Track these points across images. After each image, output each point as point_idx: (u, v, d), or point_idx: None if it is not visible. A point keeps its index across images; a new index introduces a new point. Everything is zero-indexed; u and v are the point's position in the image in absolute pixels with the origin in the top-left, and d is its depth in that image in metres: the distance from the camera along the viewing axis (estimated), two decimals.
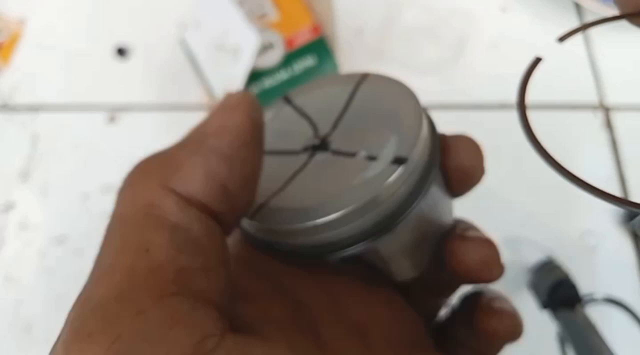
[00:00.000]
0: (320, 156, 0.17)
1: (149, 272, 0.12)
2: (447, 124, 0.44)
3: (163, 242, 0.12)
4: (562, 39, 0.16)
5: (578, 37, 0.46)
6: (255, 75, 0.35)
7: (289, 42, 0.37)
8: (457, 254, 0.17)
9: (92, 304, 0.12)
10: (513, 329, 0.18)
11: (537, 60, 0.15)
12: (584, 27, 0.15)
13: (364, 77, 0.18)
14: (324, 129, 0.18)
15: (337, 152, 0.17)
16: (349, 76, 0.19)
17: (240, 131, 0.14)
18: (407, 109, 0.17)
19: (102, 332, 0.11)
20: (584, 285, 0.35)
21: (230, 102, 0.15)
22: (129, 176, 0.14)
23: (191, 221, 0.13)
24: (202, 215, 0.13)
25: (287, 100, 0.19)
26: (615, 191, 0.40)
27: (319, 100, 0.19)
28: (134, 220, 0.13)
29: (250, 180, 0.14)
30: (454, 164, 0.18)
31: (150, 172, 0.14)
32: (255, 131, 0.15)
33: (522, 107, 0.15)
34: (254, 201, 0.15)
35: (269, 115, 0.19)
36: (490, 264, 0.17)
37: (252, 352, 0.11)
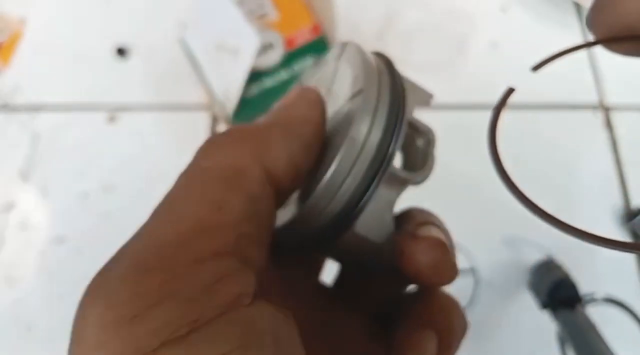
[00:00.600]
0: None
1: (215, 228, 0.13)
2: (447, 124, 0.44)
3: (237, 206, 0.13)
4: (536, 68, 0.16)
5: (578, 37, 0.46)
6: (255, 75, 0.35)
7: (289, 42, 0.37)
8: (406, 254, 0.16)
9: (155, 242, 0.14)
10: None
11: (510, 91, 0.15)
12: (559, 55, 0.15)
13: (343, 47, 0.19)
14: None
15: None
16: (336, 47, 0.20)
17: (318, 124, 0.16)
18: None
19: (160, 269, 0.12)
20: (584, 285, 0.35)
21: (310, 96, 0.17)
22: (217, 137, 0.15)
23: (266, 197, 0.14)
24: (273, 194, 0.15)
25: (300, 83, 0.20)
26: (616, 191, 0.40)
27: (320, 79, 0.20)
28: (219, 177, 0.14)
29: (309, 167, 0.16)
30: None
31: (244, 140, 0.15)
32: (324, 127, 0.16)
33: (492, 135, 0.15)
34: None
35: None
36: (440, 268, 0.16)
37: (277, 316, 0.13)
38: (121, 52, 0.46)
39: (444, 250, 0.16)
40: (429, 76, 0.45)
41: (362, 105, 0.16)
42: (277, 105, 0.17)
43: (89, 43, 0.47)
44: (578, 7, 0.47)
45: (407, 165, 0.18)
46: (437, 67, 0.45)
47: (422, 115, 0.19)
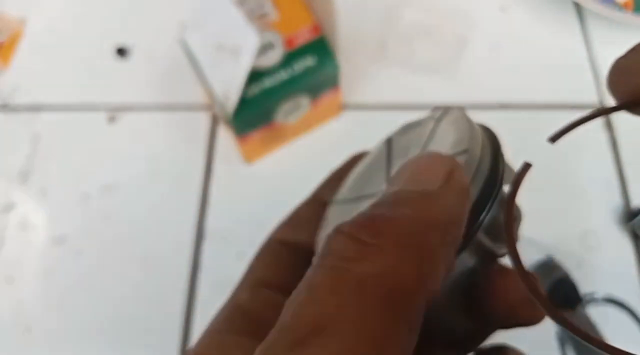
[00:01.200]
0: None
1: None
2: None
3: (399, 346, 0.11)
4: (553, 139, 0.14)
5: (578, 37, 0.46)
6: (255, 75, 0.35)
7: (289, 42, 0.37)
8: (498, 290, 0.15)
9: None
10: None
11: (527, 166, 0.14)
12: (577, 124, 0.14)
13: (446, 111, 0.17)
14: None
15: None
16: (437, 110, 0.18)
17: (463, 222, 0.13)
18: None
19: None
20: (584, 285, 0.35)
21: (461, 183, 0.13)
22: (367, 228, 0.12)
23: (419, 324, 0.11)
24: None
25: (389, 142, 0.19)
26: (616, 191, 0.40)
27: (412, 137, 0.18)
28: (382, 297, 0.11)
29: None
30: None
31: (408, 246, 0.11)
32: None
33: (508, 221, 0.13)
34: None
35: (365, 158, 0.20)
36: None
37: None
38: (121, 52, 0.46)
39: (537, 281, 0.15)
40: (429, 76, 0.45)
41: (465, 164, 0.14)
42: (414, 179, 0.13)
43: (89, 43, 0.47)
44: (578, 7, 0.47)
45: (490, 237, 0.17)
46: (437, 67, 0.45)
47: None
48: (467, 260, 0.15)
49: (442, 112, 0.17)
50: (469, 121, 0.16)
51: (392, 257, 0.11)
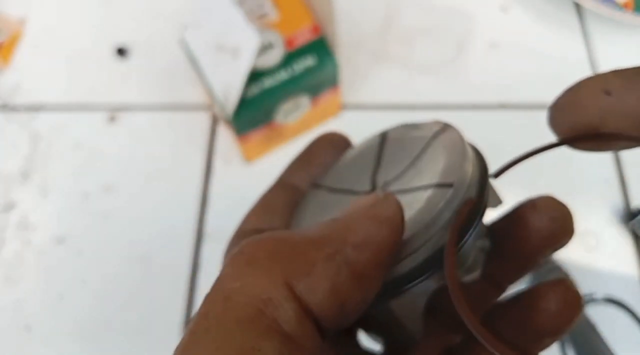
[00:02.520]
0: None
1: None
2: None
3: (271, 354, 0.11)
4: (497, 175, 0.16)
5: (578, 37, 0.46)
6: (255, 75, 0.35)
7: (288, 42, 0.37)
8: (527, 221, 0.17)
9: None
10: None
11: (469, 202, 0.15)
12: (521, 159, 0.15)
13: (444, 128, 0.18)
14: (386, 176, 0.17)
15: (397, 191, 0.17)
16: (436, 124, 0.18)
17: (382, 250, 0.13)
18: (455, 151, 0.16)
19: None
20: (584, 285, 0.35)
21: (381, 211, 0.13)
22: (249, 248, 0.12)
23: (305, 337, 0.11)
24: (315, 333, 0.12)
25: (383, 137, 0.19)
26: (616, 191, 0.40)
27: (404, 144, 0.18)
28: (244, 314, 0.11)
29: (365, 303, 0.13)
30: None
31: (277, 260, 0.12)
32: (394, 252, 0.13)
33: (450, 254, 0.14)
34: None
35: (357, 147, 0.20)
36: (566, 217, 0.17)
37: None
38: (121, 52, 0.46)
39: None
40: (429, 76, 0.45)
41: (447, 202, 0.15)
42: (348, 210, 0.13)
43: (89, 43, 0.47)
44: (578, 7, 0.47)
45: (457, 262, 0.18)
46: (437, 67, 0.45)
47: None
48: (431, 282, 0.16)
49: (440, 128, 0.17)
50: (463, 147, 0.16)
51: (260, 272, 0.12)
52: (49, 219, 0.40)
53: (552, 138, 0.15)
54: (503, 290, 0.18)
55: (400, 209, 0.13)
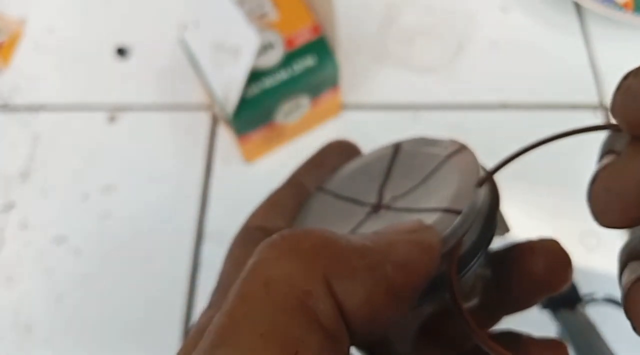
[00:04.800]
0: (383, 213, 0.17)
1: None
2: (447, 124, 0.44)
3: (314, 347, 0.11)
4: (479, 183, 0.15)
5: (578, 37, 0.46)
6: (255, 75, 0.35)
7: (288, 42, 0.37)
8: (525, 263, 0.16)
9: None
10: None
11: (459, 242, 0.14)
12: (512, 158, 0.15)
13: (460, 149, 0.17)
14: (394, 190, 0.17)
15: (398, 209, 0.16)
16: (452, 144, 0.18)
17: (419, 275, 0.13)
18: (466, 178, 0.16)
19: None
20: (584, 285, 0.35)
21: (424, 238, 0.13)
22: (284, 241, 0.12)
23: (342, 336, 0.11)
24: (347, 336, 0.12)
25: (396, 149, 0.19)
26: None
27: (417, 159, 0.18)
28: (286, 303, 0.11)
29: (391, 323, 0.13)
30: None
31: (318, 254, 0.12)
32: (427, 280, 0.13)
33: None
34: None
35: (368, 155, 0.19)
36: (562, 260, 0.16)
37: None
38: (121, 52, 0.46)
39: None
40: (429, 76, 0.45)
41: (453, 229, 0.14)
42: (389, 229, 0.14)
43: (89, 43, 0.47)
44: (578, 7, 0.47)
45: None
46: (437, 67, 0.45)
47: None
48: (427, 308, 0.16)
49: (456, 149, 0.17)
50: (477, 173, 0.15)
51: (298, 263, 0.11)
52: (49, 219, 0.40)
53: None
54: (498, 320, 0.18)
55: (439, 242, 0.14)
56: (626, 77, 0.12)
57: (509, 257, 0.17)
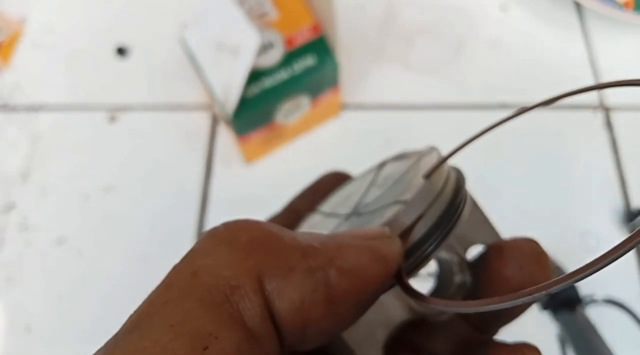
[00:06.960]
0: (353, 219, 0.17)
1: None
2: (447, 124, 0.44)
3: (228, 346, 0.10)
4: (427, 175, 0.15)
5: (578, 37, 0.46)
6: (255, 75, 0.35)
7: (289, 42, 0.37)
8: (502, 267, 0.15)
9: None
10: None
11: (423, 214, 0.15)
12: (446, 158, 0.15)
13: (429, 152, 0.17)
14: (367, 199, 0.17)
15: (366, 213, 0.16)
16: (425, 149, 0.18)
17: (365, 285, 0.12)
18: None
19: None
20: (584, 285, 0.35)
21: (381, 247, 0.12)
22: (224, 230, 0.12)
23: (266, 338, 0.11)
24: (276, 340, 0.11)
25: (380, 167, 0.19)
26: (616, 191, 0.40)
27: (395, 170, 0.18)
28: (209, 296, 0.10)
29: (329, 335, 0.12)
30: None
31: (255, 249, 0.11)
32: (376, 294, 0.12)
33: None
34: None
35: (358, 175, 0.20)
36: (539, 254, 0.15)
37: None
38: (121, 51, 0.46)
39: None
40: (429, 76, 0.45)
41: (395, 215, 0.14)
42: (347, 233, 0.13)
43: (89, 43, 0.47)
44: (578, 6, 0.47)
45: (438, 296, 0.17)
46: (437, 67, 0.45)
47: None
48: (392, 304, 0.16)
49: (425, 152, 0.17)
50: (439, 169, 0.16)
51: (232, 257, 0.11)
52: (49, 220, 0.40)
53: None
54: (485, 332, 0.17)
55: (399, 255, 0.13)
56: None
57: (483, 260, 0.16)
